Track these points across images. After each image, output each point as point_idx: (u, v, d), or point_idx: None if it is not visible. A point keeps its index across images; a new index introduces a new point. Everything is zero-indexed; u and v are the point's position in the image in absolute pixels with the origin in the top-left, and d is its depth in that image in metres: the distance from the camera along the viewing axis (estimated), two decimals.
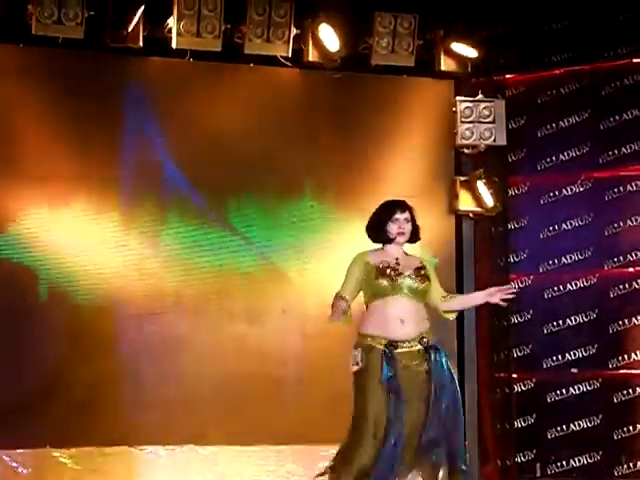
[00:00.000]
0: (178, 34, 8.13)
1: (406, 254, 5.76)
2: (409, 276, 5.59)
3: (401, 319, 5.54)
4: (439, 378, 5.51)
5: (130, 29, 8.03)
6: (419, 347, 5.54)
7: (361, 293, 5.71)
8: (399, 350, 5.49)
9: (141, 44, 8.15)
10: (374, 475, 5.37)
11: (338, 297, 5.55)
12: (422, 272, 5.66)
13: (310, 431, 8.19)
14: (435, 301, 5.78)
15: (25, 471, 7.84)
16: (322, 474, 5.69)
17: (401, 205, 5.73)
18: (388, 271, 5.56)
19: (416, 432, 5.44)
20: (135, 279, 8.24)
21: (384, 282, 5.55)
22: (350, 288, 5.63)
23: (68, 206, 8.12)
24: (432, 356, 5.54)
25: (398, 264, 5.61)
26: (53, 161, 8.10)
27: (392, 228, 5.67)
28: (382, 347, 5.49)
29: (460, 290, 8.71)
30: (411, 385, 5.48)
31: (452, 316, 5.88)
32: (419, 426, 5.44)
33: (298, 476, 8.31)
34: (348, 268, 5.69)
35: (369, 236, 5.78)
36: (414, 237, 5.76)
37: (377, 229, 5.72)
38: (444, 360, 5.57)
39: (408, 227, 5.69)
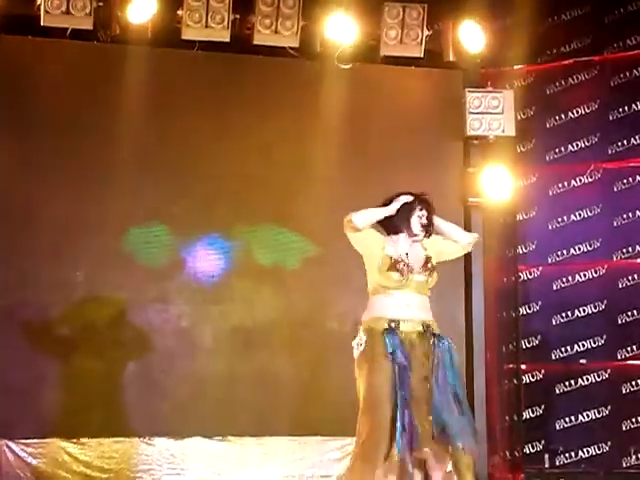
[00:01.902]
0: (187, 25, 8.13)
1: (413, 244, 5.67)
2: (418, 272, 5.56)
3: (407, 304, 5.52)
4: (440, 361, 5.47)
5: (139, 20, 8.03)
6: (421, 329, 5.51)
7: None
8: (401, 327, 5.47)
9: (149, 35, 8.15)
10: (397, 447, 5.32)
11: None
12: (429, 265, 5.62)
13: (318, 423, 8.20)
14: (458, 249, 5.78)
15: (35, 461, 7.85)
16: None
17: (425, 203, 5.67)
18: (401, 265, 5.52)
19: (423, 404, 5.39)
20: (144, 270, 8.24)
21: (395, 276, 5.51)
22: (369, 222, 5.55)
23: (73, 195, 8.13)
24: (439, 343, 5.51)
25: (408, 257, 5.57)
26: (56, 152, 8.12)
27: (415, 224, 5.62)
28: (384, 326, 5.46)
29: (469, 281, 8.72)
30: (414, 358, 5.43)
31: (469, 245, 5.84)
32: (425, 399, 5.40)
33: (306, 467, 8.32)
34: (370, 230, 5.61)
35: (385, 225, 5.67)
36: (427, 233, 5.72)
37: (399, 221, 5.63)
38: (447, 345, 5.52)
39: (426, 224, 5.65)
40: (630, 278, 8.83)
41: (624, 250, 8.87)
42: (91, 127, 8.16)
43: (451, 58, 8.84)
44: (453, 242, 5.77)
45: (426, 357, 5.48)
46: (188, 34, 8.20)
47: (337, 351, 8.06)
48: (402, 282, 5.52)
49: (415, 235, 5.63)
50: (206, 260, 8.40)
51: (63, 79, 8.17)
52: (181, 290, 8.33)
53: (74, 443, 7.93)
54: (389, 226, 5.69)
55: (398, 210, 5.64)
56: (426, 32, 8.61)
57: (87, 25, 7.96)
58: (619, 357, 8.77)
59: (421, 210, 5.64)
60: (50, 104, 8.11)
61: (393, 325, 5.46)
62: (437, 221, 5.72)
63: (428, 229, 5.65)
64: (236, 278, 8.43)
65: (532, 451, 8.86)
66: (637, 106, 8.93)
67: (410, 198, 5.66)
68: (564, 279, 8.95)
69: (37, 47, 8.16)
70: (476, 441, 5.53)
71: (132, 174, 8.27)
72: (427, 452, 5.36)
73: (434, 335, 5.53)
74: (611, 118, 8.97)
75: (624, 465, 8.65)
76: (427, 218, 5.65)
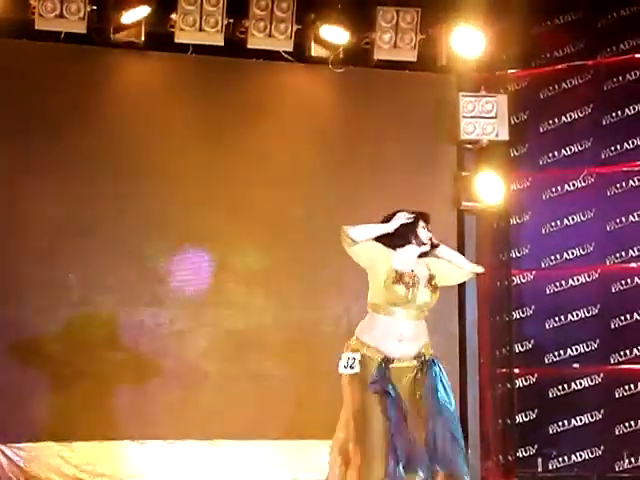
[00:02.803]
0: (180, 29, 8.14)
1: (417, 262, 5.62)
2: (424, 287, 5.50)
3: (400, 340, 5.46)
4: (434, 387, 5.43)
5: (132, 24, 8.04)
6: (414, 363, 5.48)
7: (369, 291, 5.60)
8: (394, 365, 5.43)
9: (143, 39, 8.16)
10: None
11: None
12: (433, 282, 5.56)
13: (310, 426, 8.20)
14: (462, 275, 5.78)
15: (26, 464, 7.85)
16: None
17: (428, 217, 5.67)
18: (407, 279, 5.46)
19: (414, 432, 5.39)
20: (138, 273, 8.25)
21: (401, 290, 5.44)
22: (367, 237, 5.49)
23: (67, 197, 8.13)
24: (429, 370, 5.46)
25: (414, 272, 5.51)
26: (54, 154, 8.12)
27: (422, 232, 5.59)
28: (378, 359, 5.40)
29: (462, 285, 8.72)
30: (402, 390, 5.40)
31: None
32: (416, 428, 5.39)
33: (299, 470, 8.32)
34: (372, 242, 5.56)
35: (388, 241, 5.57)
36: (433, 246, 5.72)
37: (405, 232, 5.57)
38: (440, 372, 5.48)
39: (426, 248, 5.64)
40: (623, 282, 8.83)
41: (617, 254, 8.87)
42: (85, 130, 8.16)
43: (445, 62, 8.84)
44: (457, 267, 5.75)
45: (417, 388, 5.44)
46: (182, 38, 8.20)
47: (330, 355, 8.09)
48: (407, 298, 5.46)
49: (423, 244, 5.58)
50: (199, 264, 8.40)
51: (57, 82, 8.16)
52: (174, 293, 8.33)
53: (67, 446, 7.93)
54: (393, 241, 5.59)
55: (402, 224, 5.58)
56: (420, 36, 8.63)
57: (81, 29, 7.96)
58: (612, 361, 8.78)
59: (424, 222, 5.62)
60: (43, 107, 8.11)
61: (385, 364, 5.39)
62: (442, 248, 5.70)
63: (432, 242, 5.63)
64: (229, 281, 8.43)
65: (525, 455, 8.86)
66: (630, 110, 8.94)
67: (410, 215, 5.60)
68: (557, 283, 8.96)
69: (31, 50, 8.16)
70: (466, 467, 5.46)
71: (126, 177, 8.27)
72: None
73: (427, 363, 5.48)
74: (604, 123, 8.98)
75: (617, 469, 8.65)
76: (429, 237, 5.61)
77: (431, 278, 5.57)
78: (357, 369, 5.43)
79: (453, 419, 5.48)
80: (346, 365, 5.48)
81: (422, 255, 5.64)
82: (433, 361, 5.52)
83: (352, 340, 5.56)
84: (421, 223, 5.62)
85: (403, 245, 5.60)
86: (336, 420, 5.68)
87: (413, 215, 5.61)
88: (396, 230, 5.59)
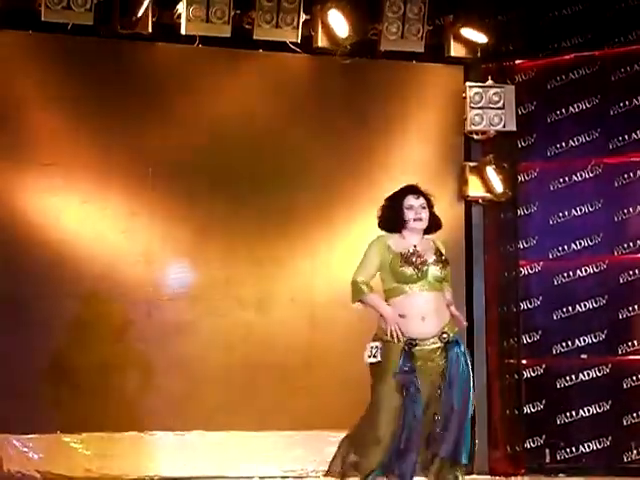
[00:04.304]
0: (187, 20, 8.13)
1: (422, 239, 5.58)
2: (433, 263, 5.45)
3: (422, 317, 5.41)
4: (454, 375, 5.40)
5: (139, 15, 8.03)
6: (439, 344, 5.43)
7: (379, 279, 5.57)
8: (418, 348, 5.39)
9: (150, 30, 8.15)
10: (390, 468, 5.35)
11: (358, 283, 5.47)
12: (442, 257, 5.52)
13: (318, 417, 8.21)
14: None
15: (36, 456, 7.87)
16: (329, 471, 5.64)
17: (414, 190, 5.57)
18: (414, 259, 5.40)
19: (428, 427, 5.39)
20: (143, 266, 8.26)
21: (409, 270, 5.39)
22: (370, 273, 5.50)
23: (74, 193, 8.14)
24: (450, 352, 5.42)
25: (419, 250, 5.46)
26: (58, 148, 8.13)
27: (408, 215, 5.50)
28: (401, 344, 5.37)
29: (470, 277, 8.72)
30: (426, 381, 5.38)
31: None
32: (431, 421, 5.39)
33: (307, 461, 8.33)
34: (366, 252, 5.54)
35: (382, 227, 5.60)
36: (434, 227, 5.61)
37: (391, 218, 5.55)
38: (462, 356, 5.44)
39: (425, 214, 5.53)
40: (631, 273, 8.81)
41: (625, 245, 8.85)
42: (91, 122, 8.16)
43: (452, 53, 8.82)
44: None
45: (439, 373, 5.42)
46: (189, 29, 8.19)
47: (338, 346, 8.10)
48: (418, 274, 5.40)
49: (410, 226, 5.50)
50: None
51: (63, 74, 8.16)
52: (178, 285, 8.34)
53: (75, 437, 7.94)
54: (391, 228, 5.59)
55: (391, 208, 5.56)
56: (427, 27, 8.61)
57: (87, 20, 7.97)
58: (620, 352, 8.76)
59: (416, 199, 5.52)
60: (49, 99, 8.10)
61: (410, 347, 5.37)
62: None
63: (425, 219, 5.51)
64: (231, 272, 8.42)
65: (533, 446, 8.85)
66: (638, 101, 8.90)
67: (401, 191, 5.58)
68: (565, 274, 8.94)
69: (37, 42, 8.16)
70: (468, 458, 5.45)
71: (132, 170, 8.28)
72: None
73: (450, 344, 5.43)
74: (612, 113, 8.95)
75: (625, 460, 8.64)
76: (421, 206, 5.51)
77: (439, 253, 5.53)
78: (379, 357, 5.42)
79: (466, 409, 5.44)
80: (369, 354, 5.47)
81: (428, 231, 5.58)
82: (457, 342, 5.47)
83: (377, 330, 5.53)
84: (409, 202, 5.51)
85: (398, 228, 5.55)
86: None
87: (397, 193, 5.57)
88: (386, 216, 5.57)
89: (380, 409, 5.38)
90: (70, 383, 7.94)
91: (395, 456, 5.34)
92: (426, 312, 5.42)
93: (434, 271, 5.46)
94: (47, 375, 7.92)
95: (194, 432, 8.19)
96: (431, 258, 5.48)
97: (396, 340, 5.37)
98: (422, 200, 5.55)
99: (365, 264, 5.53)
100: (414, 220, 5.51)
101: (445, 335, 5.44)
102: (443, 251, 5.61)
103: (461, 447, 5.38)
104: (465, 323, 5.71)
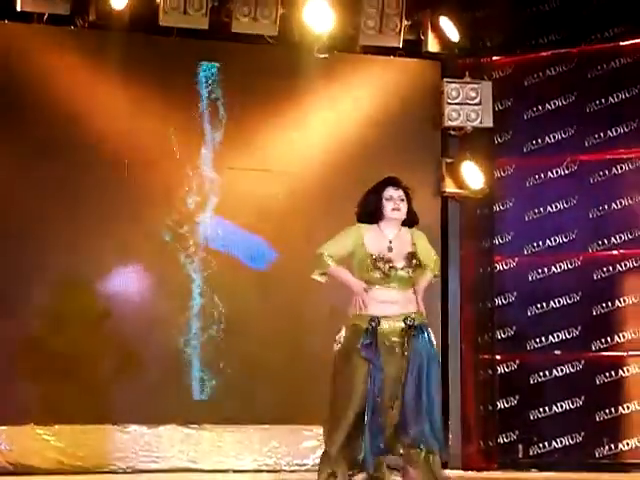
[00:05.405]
0: (164, 11, 8.09)
1: (399, 233, 5.54)
2: (402, 268, 5.44)
3: (383, 302, 5.43)
4: (418, 356, 5.38)
5: (116, 5, 7.99)
6: (403, 326, 5.45)
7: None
8: (382, 326, 5.40)
9: (127, 21, 8.11)
10: (361, 448, 5.34)
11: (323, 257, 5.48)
12: (413, 261, 5.49)
13: (295, 412, 8.21)
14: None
15: (8, 448, 7.84)
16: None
17: (394, 182, 5.55)
18: (381, 264, 5.40)
19: (395, 409, 5.38)
20: (120, 257, 8.23)
21: (377, 274, 5.41)
22: (338, 253, 5.49)
23: (57, 184, 8.13)
24: (415, 337, 5.40)
25: (391, 250, 5.45)
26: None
27: (387, 206, 5.49)
28: (364, 326, 5.39)
29: (445, 272, 8.72)
30: (389, 358, 5.38)
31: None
32: (397, 405, 5.39)
33: (281, 454, 8.33)
34: (342, 235, 5.52)
35: (360, 219, 5.56)
36: (411, 220, 5.58)
37: (370, 208, 5.52)
38: (426, 338, 5.43)
39: (404, 205, 5.51)
40: (605, 270, 8.86)
41: (599, 242, 8.89)
42: (68, 114, 8.12)
43: (430, 48, 8.83)
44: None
45: (404, 356, 5.40)
46: (166, 21, 8.16)
47: (314, 339, 8.09)
48: (384, 278, 5.42)
49: (388, 217, 5.48)
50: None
51: (39, 64, 8.11)
52: (161, 278, 8.32)
53: (48, 430, 7.91)
54: (369, 220, 5.55)
55: (370, 199, 5.55)
56: (405, 22, 8.62)
57: (64, 10, 7.95)
58: (593, 348, 8.80)
59: (396, 190, 5.50)
60: (25, 90, 8.06)
61: (373, 324, 5.38)
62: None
63: (404, 211, 5.50)
64: (214, 265, 8.42)
65: (506, 441, 8.89)
66: (614, 98, 8.94)
67: (381, 182, 5.54)
68: (540, 270, 8.97)
69: (13, 32, 8.11)
70: (439, 441, 5.42)
71: (111, 166, 8.26)
72: (392, 458, 5.39)
73: (414, 328, 5.43)
74: (588, 110, 8.98)
75: (597, 455, 8.69)
76: (400, 198, 5.49)
77: (411, 256, 5.51)
78: (342, 342, 5.46)
79: (433, 393, 5.42)
80: (337, 342, 5.50)
81: (407, 224, 5.58)
82: (422, 328, 5.46)
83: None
84: (385, 195, 5.49)
85: (376, 219, 5.53)
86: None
87: (378, 185, 5.54)
88: (365, 206, 5.55)
89: (344, 390, 5.38)
90: (43, 375, 7.89)
91: (362, 436, 5.34)
92: (393, 301, 5.46)
93: (402, 274, 5.47)
94: (20, 367, 7.87)
95: (168, 425, 8.17)
96: (400, 263, 5.48)
97: (363, 309, 5.39)
98: (401, 192, 5.55)
99: (337, 243, 5.54)
100: (392, 210, 5.50)
101: (410, 320, 5.45)
102: (423, 243, 5.59)
103: (433, 431, 5.37)
104: (424, 313, 5.68)
